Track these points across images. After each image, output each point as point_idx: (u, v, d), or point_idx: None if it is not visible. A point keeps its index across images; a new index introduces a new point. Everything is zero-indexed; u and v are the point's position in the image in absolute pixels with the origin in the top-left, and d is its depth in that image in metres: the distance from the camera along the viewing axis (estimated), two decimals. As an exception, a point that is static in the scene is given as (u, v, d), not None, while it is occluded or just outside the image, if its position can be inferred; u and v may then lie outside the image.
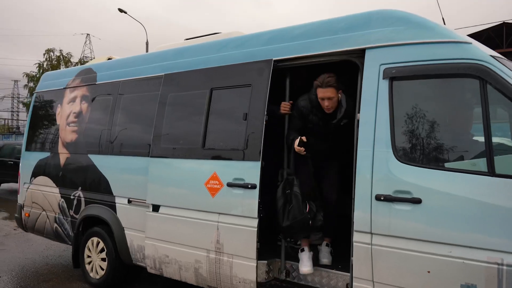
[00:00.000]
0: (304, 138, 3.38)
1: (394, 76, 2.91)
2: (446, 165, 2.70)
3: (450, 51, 2.72)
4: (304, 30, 3.49)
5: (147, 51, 20.85)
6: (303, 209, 3.35)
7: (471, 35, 22.59)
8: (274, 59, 3.51)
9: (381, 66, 2.97)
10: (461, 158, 2.72)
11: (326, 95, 3.34)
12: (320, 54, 3.33)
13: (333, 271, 3.37)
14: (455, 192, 2.58)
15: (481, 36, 23.08)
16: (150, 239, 4.11)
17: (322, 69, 3.53)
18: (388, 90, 2.92)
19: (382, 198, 2.80)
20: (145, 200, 4.16)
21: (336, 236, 3.79)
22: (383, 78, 2.95)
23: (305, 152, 3.39)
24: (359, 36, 3.13)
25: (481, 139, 2.58)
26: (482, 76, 2.59)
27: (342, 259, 3.41)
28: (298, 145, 3.37)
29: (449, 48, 2.74)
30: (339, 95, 3.39)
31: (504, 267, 2.40)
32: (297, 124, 3.57)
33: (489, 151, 2.51)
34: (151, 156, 4.15)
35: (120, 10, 22.41)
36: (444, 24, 3.69)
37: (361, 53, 3.11)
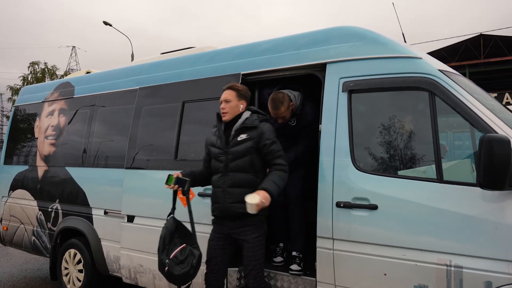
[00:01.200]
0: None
1: (352, 89, 3.08)
2: (400, 173, 2.86)
3: (401, 66, 2.90)
4: (270, 45, 3.66)
5: (132, 63, 20.88)
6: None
7: (450, 46, 23.21)
8: (242, 73, 3.67)
9: (341, 80, 3.13)
10: (413, 166, 2.88)
11: (224, 96, 3.19)
12: (285, 68, 3.49)
13: (301, 276, 3.48)
14: (408, 198, 2.73)
15: (459, 47, 23.70)
16: (126, 249, 4.19)
17: (291, 82, 3.69)
18: (347, 102, 3.08)
19: (342, 205, 2.94)
20: (121, 211, 4.24)
21: (306, 242, 3.91)
22: (342, 91, 3.11)
23: None
24: (321, 51, 3.30)
25: (431, 147, 2.74)
26: (430, 88, 2.76)
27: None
28: None
29: (400, 62, 2.91)
30: (241, 104, 3.17)
31: (452, 268, 2.55)
32: None
33: (437, 159, 2.68)
34: (126, 168, 4.25)
35: (105, 23, 22.48)
36: (405, 40, 3.90)
37: (322, 67, 3.28)
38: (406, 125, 3.00)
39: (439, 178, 2.65)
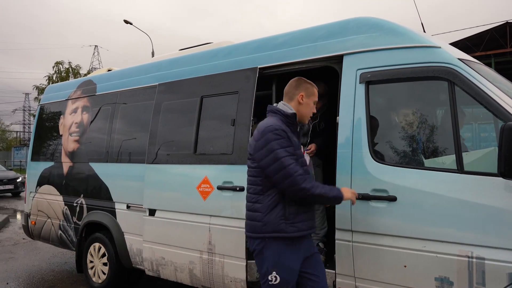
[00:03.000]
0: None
1: (370, 80, 3.05)
2: (419, 164, 2.83)
3: (419, 55, 2.86)
4: (287, 39, 3.65)
5: (152, 61, 21.14)
6: None
7: (475, 36, 22.58)
8: (259, 66, 3.68)
9: (358, 71, 3.11)
10: (433, 156, 2.84)
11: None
12: (302, 61, 3.48)
13: (320, 269, 3.49)
14: (428, 189, 2.69)
15: (484, 36, 23.01)
16: (148, 242, 4.28)
17: (309, 75, 3.68)
18: (364, 94, 3.06)
19: (360, 197, 2.90)
20: (142, 205, 4.33)
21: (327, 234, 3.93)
22: (360, 83, 3.09)
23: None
24: (337, 43, 3.28)
25: (451, 138, 2.69)
26: (450, 78, 2.72)
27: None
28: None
29: (419, 52, 2.87)
30: None
31: (474, 260, 2.51)
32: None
33: (458, 150, 2.63)
34: (147, 163, 4.33)
35: (126, 22, 22.83)
36: (424, 30, 3.83)
37: (339, 59, 3.26)
38: (425, 116, 2.96)
39: (460, 169, 2.60)
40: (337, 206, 3.04)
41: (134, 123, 4.79)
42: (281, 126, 2.59)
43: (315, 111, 2.87)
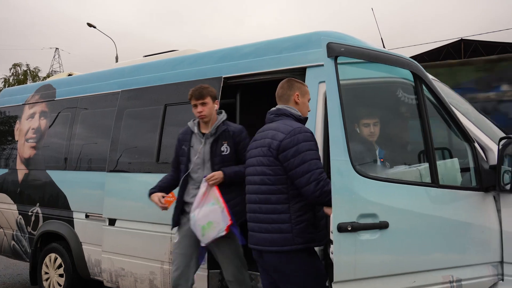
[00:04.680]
0: None
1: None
2: (404, 177, 2.44)
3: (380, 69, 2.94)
4: (252, 49, 3.70)
5: (116, 65, 20.74)
6: None
7: (433, 50, 23.61)
8: (224, 76, 3.70)
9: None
10: (411, 167, 2.58)
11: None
12: (266, 72, 3.52)
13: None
14: (413, 208, 2.31)
15: (441, 51, 24.11)
16: (107, 252, 4.17)
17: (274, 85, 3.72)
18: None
19: (349, 228, 2.11)
20: (102, 214, 4.22)
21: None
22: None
23: None
24: (301, 56, 3.35)
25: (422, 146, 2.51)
26: (418, 74, 2.54)
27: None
28: None
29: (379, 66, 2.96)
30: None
31: (455, 284, 2.37)
32: None
33: (432, 160, 2.40)
34: (108, 171, 4.23)
35: (89, 25, 22.28)
36: (383, 45, 3.98)
37: (302, 71, 3.33)
38: (388, 122, 2.94)
39: (436, 182, 2.37)
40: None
41: (95, 130, 4.68)
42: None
43: (310, 109, 2.79)
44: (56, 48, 43.20)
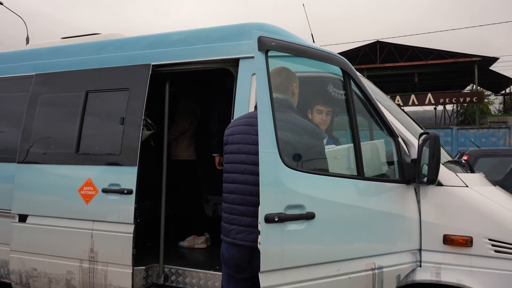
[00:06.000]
0: None
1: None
2: (329, 169, 2.48)
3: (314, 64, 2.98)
4: (182, 37, 3.56)
5: (26, 47, 18.99)
6: None
7: (351, 50, 24.94)
8: (152, 63, 3.52)
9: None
10: (338, 160, 2.66)
11: None
12: (198, 61, 3.42)
13: (211, 272, 3.46)
14: (339, 199, 2.39)
15: (359, 51, 25.56)
16: (16, 252, 3.78)
17: (205, 75, 3.63)
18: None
19: (276, 219, 2.14)
20: (11, 210, 3.81)
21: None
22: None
23: None
24: (234, 46, 3.29)
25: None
26: (347, 70, 2.57)
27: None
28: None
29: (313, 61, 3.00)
30: None
31: (376, 271, 2.47)
32: None
33: (358, 152, 2.47)
34: (18, 162, 3.83)
35: (-5, 1, 20.12)
36: (313, 40, 4.06)
37: (235, 62, 3.27)
38: (319, 114, 2.93)
39: (361, 175, 2.45)
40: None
41: (2, 117, 4.20)
42: None
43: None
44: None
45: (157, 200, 3.91)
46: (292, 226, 2.20)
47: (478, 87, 27.49)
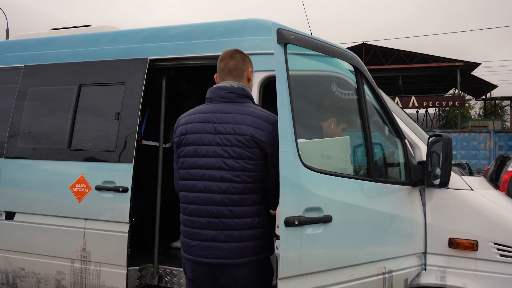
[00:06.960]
0: None
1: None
2: (344, 171, 2.47)
3: (316, 62, 2.94)
4: (182, 31, 3.47)
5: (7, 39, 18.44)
6: None
7: (337, 52, 25.09)
8: (150, 58, 3.41)
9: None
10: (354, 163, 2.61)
11: None
12: (198, 57, 3.33)
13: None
14: (354, 202, 2.34)
15: (345, 53, 25.57)
16: (3, 251, 3.62)
17: (206, 72, 3.53)
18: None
19: (296, 222, 2.03)
20: (-3, 207, 3.65)
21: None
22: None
23: None
24: (235, 42, 3.20)
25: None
26: (359, 68, 2.60)
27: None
28: None
29: (316, 59, 2.95)
30: None
31: (387, 275, 2.44)
32: None
33: (370, 154, 2.44)
34: (6, 157, 3.67)
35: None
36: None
37: (237, 58, 3.19)
38: (328, 115, 2.91)
39: (373, 177, 2.42)
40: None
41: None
42: None
43: None
44: None
45: (150, 198, 3.80)
46: (309, 230, 2.10)
47: (460, 92, 28.04)
